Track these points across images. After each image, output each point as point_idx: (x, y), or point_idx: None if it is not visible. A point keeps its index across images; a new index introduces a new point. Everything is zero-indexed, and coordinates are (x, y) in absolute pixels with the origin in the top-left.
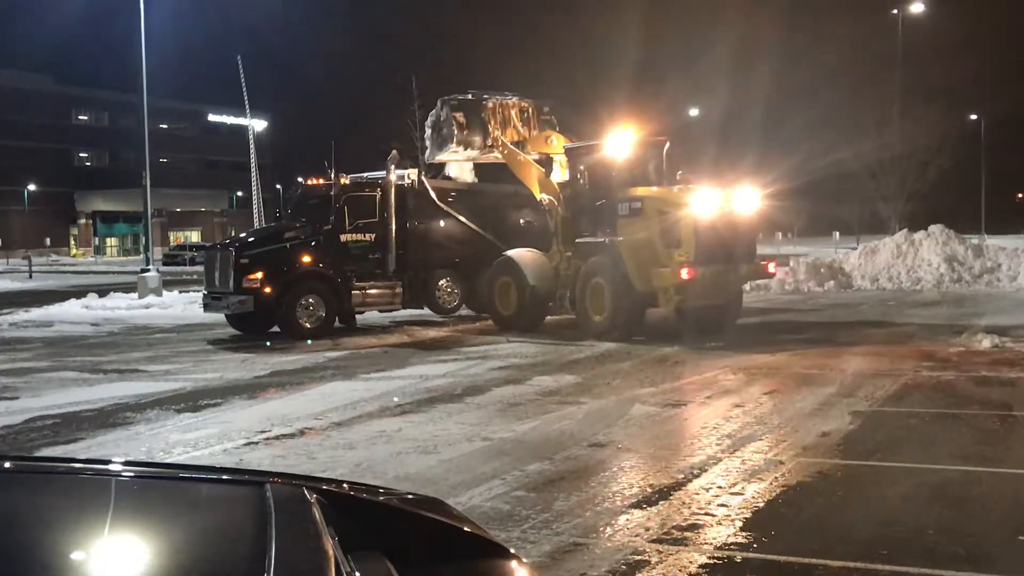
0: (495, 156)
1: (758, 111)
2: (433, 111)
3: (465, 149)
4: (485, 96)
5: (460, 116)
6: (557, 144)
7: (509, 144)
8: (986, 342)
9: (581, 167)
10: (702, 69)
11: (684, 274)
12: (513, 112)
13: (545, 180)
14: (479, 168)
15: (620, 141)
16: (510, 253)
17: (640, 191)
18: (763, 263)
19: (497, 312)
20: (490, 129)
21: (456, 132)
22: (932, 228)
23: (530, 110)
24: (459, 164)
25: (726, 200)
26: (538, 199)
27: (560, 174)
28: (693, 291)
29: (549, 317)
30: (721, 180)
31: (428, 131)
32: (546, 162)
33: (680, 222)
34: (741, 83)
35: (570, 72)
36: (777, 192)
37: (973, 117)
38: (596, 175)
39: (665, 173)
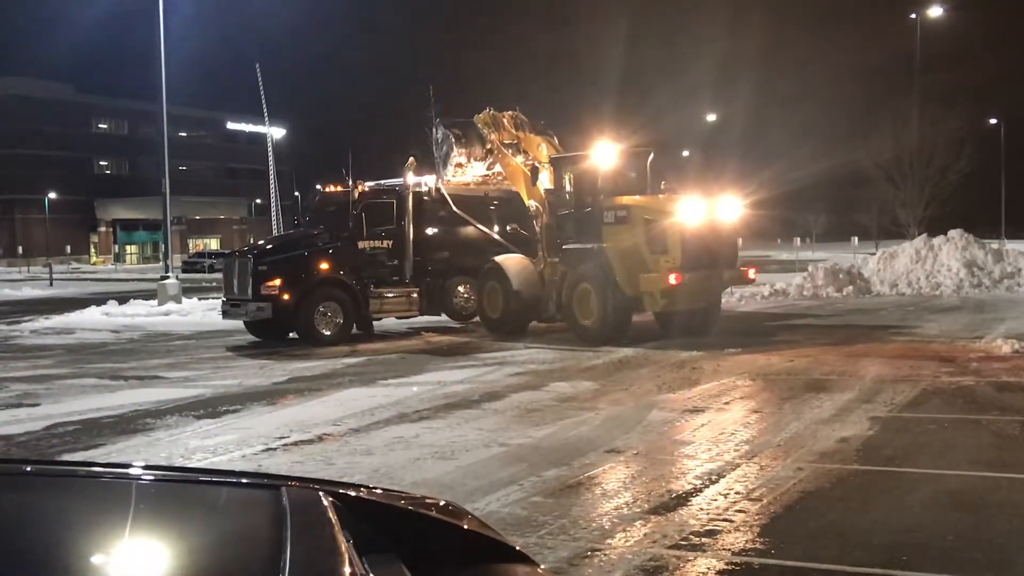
0: (499, 174)
1: (772, 118)
2: (432, 136)
3: (468, 160)
4: (475, 116)
5: (456, 130)
6: (545, 153)
7: (503, 148)
8: (1006, 347)
9: (566, 176)
10: (714, 78)
11: (672, 279)
12: (505, 120)
13: (532, 186)
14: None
15: (606, 151)
16: (497, 259)
17: (626, 200)
18: (744, 269)
19: (486, 315)
20: (485, 134)
21: (455, 144)
22: (951, 233)
23: (522, 118)
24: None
25: (710, 208)
26: (526, 204)
27: (548, 182)
28: (679, 296)
29: (546, 324)
30: (705, 189)
31: (434, 154)
32: (533, 169)
33: (667, 229)
34: (755, 89)
35: (576, 83)
36: (790, 198)
37: (993, 121)
38: (582, 184)
39: (649, 182)
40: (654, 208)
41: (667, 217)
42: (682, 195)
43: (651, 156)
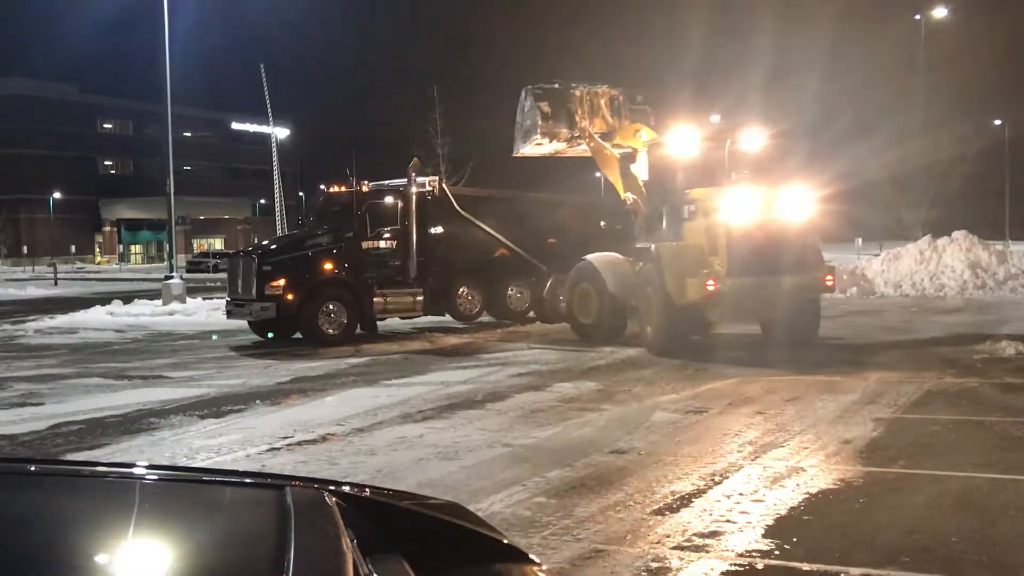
0: (582, 149)
1: (779, 117)
2: (518, 102)
3: (550, 141)
4: (573, 85)
5: (545, 105)
6: (647, 138)
7: (596, 136)
8: (1010, 349)
9: (661, 164)
10: (723, 74)
11: (709, 286)
12: (602, 101)
13: (631, 177)
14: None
15: (684, 137)
16: (590, 257)
17: (696, 192)
18: (819, 275)
19: (576, 320)
20: (576, 119)
21: (540, 122)
22: (956, 234)
23: (620, 99)
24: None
25: (769, 202)
26: (622, 197)
27: (644, 171)
28: (727, 305)
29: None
30: (770, 179)
31: (516, 122)
32: (625, 156)
33: (715, 227)
34: (761, 90)
35: (603, 69)
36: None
37: (997, 123)
38: (664, 173)
39: (726, 172)
40: (713, 202)
41: (718, 212)
42: (735, 186)
43: (729, 142)
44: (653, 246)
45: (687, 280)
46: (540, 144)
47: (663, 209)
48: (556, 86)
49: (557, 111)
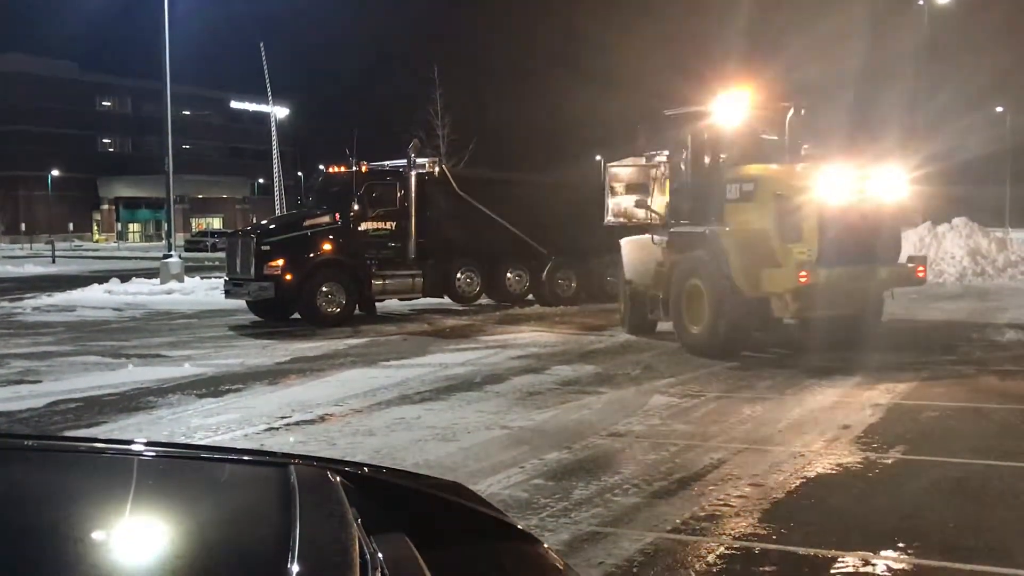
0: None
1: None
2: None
3: (627, 220)
4: (655, 160)
5: (618, 186)
6: None
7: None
8: (1009, 336)
9: (685, 138)
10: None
11: (802, 277)
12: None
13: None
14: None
15: (732, 106)
16: (621, 241)
17: (754, 169)
18: (912, 265)
19: (619, 307)
20: (647, 201)
21: (612, 202)
22: (955, 221)
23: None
24: None
25: (862, 183)
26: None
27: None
28: (816, 298)
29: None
30: (857, 157)
31: None
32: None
33: (801, 210)
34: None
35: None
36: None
37: (999, 109)
38: (701, 148)
39: (788, 147)
40: (788, 181)
41: (804, 193)
42: (827, 163)
43: (791, 113)
44: (708, 231)
45: (764, 270)
46: (618, 217)
47: (695, 188)
48: (643, 160)
49: (632, 189)
